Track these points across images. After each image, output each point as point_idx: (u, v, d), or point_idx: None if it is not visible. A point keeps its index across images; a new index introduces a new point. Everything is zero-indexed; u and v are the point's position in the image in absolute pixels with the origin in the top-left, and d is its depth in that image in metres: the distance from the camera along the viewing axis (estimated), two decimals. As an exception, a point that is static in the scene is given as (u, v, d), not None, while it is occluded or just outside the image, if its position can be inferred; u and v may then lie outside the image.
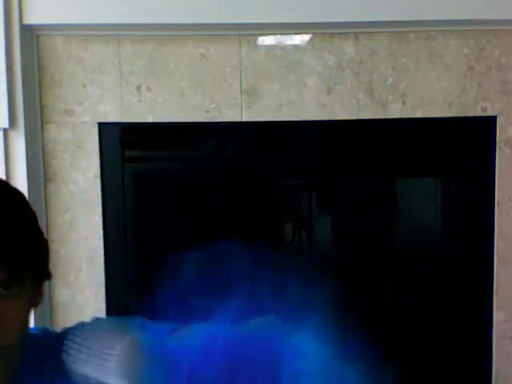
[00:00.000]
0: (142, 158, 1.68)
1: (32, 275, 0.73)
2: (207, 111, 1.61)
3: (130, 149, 1.65)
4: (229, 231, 1.61)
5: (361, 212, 1.76)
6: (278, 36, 1.61)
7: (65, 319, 1.60)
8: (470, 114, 1.64)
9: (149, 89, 1.60)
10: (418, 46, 1.62)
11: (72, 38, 1.58)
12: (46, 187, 1.61)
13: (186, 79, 1.60)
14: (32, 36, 1.56)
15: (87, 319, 0.81)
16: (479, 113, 1.64)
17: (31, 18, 1.50)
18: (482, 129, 1.67)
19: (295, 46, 1.62)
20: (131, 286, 1.67)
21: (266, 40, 1.61)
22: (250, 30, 1.59)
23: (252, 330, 0.71)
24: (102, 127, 1.61)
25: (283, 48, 1.62)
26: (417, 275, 1.76)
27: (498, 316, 1.69)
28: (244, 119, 1.61)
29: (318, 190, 1.82)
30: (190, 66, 1.60)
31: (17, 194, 0.76)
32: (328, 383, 0.68)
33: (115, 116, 1.60)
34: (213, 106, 1.61)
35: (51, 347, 0.79)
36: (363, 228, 1.76)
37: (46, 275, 0.77)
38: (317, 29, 1.60)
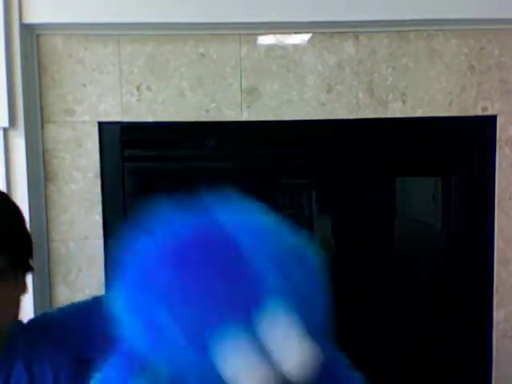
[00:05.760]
0: (142, 157, 1.68)
1: (23, 265, 0.79)
2: (207, 110, 1.61)
3: (130, 148, 1.65)
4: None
5: (361, 211, 1.76)
6: (278, 35, 1.61)
7: (65, 319, 1.60)
8: (470, 113, 1.64)
9: (149, 88, 1.60)
10: (418, 46, 1.62)
11: (72, 38, 1.58)
12: (46, 187, 1.61)
13: (186, 78, 1.60)
14: (32, 35, 1.56)
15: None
16: (479, 112, 1.64)
17: (31, 18, 1.50)
18: (482, 128, 1.67)
19: (295, 46, 1.62)
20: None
21: (266, 39, 1.61)
22: (249, 30, 1.59)
23: None
24: (102, 126, 1.61)
25: (283, 47, 1.62)
26: (417, 274, 1.76)
27: (498, 315, 1.69)
28: (244, 118, 1.61)
29: (318, 190, 1.82)
30: (190, 66, 1.60)
31: (3, 192, 0.84)
32: None
33: (115, 115, 1.60)
34: (213, 105, 1.61)
35: (26, 336, 0.84)
36: (363, 227, 1.76)
37: (30, 268, 0.83)
38: (317, 28, 1.60)
